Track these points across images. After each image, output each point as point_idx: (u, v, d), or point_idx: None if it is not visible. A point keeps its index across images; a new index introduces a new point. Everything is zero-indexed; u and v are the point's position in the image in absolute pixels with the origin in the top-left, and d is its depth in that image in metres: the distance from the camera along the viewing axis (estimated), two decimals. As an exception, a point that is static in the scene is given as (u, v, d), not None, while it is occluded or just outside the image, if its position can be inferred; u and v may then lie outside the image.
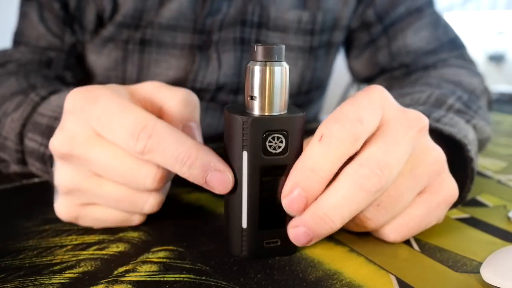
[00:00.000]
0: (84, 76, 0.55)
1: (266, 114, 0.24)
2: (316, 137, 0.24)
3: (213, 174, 0.25)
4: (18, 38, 0.53)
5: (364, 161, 0.24)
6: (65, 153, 0.27)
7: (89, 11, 0.51)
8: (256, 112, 0.24)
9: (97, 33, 0.52)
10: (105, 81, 0.54)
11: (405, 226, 0.27)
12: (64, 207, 0.29)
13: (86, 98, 0.27)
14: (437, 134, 0.31)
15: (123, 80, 0.54)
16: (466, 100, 0.40)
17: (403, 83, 0.51)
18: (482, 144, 0.40)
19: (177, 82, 0.54)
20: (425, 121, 0.27)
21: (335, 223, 0.24)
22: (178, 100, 0.29)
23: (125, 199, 0.27)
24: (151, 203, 0.28)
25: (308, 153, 0.24)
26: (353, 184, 0.24)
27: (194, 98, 0.30)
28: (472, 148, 0.32)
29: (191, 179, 0.25)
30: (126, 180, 0.26)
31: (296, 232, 0.25)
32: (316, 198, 0.24)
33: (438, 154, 0.27)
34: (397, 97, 0.42)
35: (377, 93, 0.26)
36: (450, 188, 0.28)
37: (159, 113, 0.29)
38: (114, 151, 0.26)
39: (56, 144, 0.27)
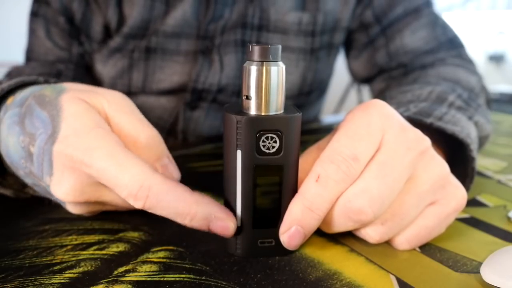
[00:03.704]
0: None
1: (262, 114, 0.24)
2: (313, 176, 0.25)
3: (214, 223, 0.25)
4: (29, 54, 0.55)
5: (353, 198, 0.25)
6: (77, 199, 0.27)
7: (95, 22, 0.52)
8: (252, 111, 0.24)
9: (105, 44, 0.53)
10: (111, 88, 0.54)
11: (416, 237, 0.27)
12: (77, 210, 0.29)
13: (79, 149, 0.26)
14: (439, 132, 0.31)
15: (129, 87, 0.55)
16: (466, 98, 0.40)
17: (401, 83, 0.51)
18: (482, 142, 0.40)
19: (181, 86, 0.54)
20: (426, 144, 0.26)
21: (332, 230, 0.25)
22: (149, 136, 0.29)
23: None
24: None
25: (305, 192, 0.25)
26: (343, 214, 0.25)
27: (158, 134, 0.31)
28: (474, 147, 0.32)
29: (195, 228, 0.25)
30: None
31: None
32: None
33: (440, 169, 0.27)
34: (398, 95, 0.42)
35: (377, 112, 0.26)
36: (458, 197, 0.27)
37: (133, 144, 0.29)
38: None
39: (63, 195, 0.27)
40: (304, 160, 0.27)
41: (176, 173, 0.31)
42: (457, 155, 0.31)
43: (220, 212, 0.25)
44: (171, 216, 0.25)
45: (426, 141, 0.26)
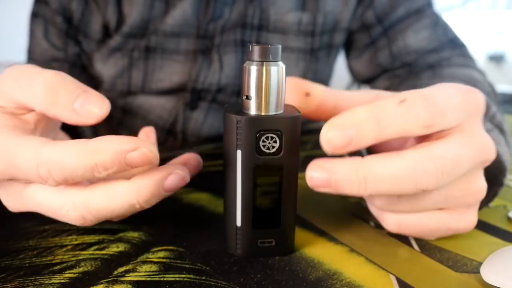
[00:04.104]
0: (90, 85, 0.55)
1: (262, 114, 0.24)
2: (397, 98, 0.23)
3: (129, 158, 0.23)
4: (28, 55, 0.55)
5: (435, 157, 0.23)
6: (17, 210, 0.27)
7: (94, 22, 0.52)
8: (252, 111, 0.24)
9: (104, 43, 0.53)
10: (111, 88, 0.56)
11: (408, 226, 0.27)
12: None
13: None
14: None
15: (129, 87, 0.55)
16: (498, 111, 0.39)
17: (413, 82, 0.50)
18: None
19: (181, 86, 0.55)
20: (493, 156, 0.25)
21: (366, 190, 0.22)
22: (42, 83, 0.25)
23: None
24: None
25: (382, 106, 0.23)
26: (412, 170, 0.22)
27: (57, 73, 0.26)
28: (507, 173, 0.31)
29: (118, 174, 0.24)
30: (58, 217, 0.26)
31: (318, 173, 0.22)
32: (357, 147, 0.22)
33: (481, 189, 0.26)
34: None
35: (475, 98, 0.25)
36: (470, 222, 0.27)
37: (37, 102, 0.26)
38: (42, 194, 0.26)
39: (7, 207, 0.27)
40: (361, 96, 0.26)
41: (99, 104, 0.25)
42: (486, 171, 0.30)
43: (126, 145, 0.23)
44: (89, 175, 0.23)
45: (493, 154, 0.25)
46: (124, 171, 0.24)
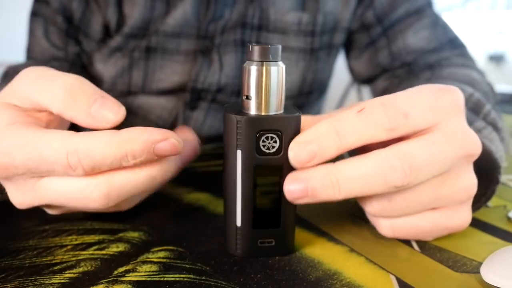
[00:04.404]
0: None
1: (262, 113, 0.24)
2: (356, 108, 0.24)
3: (157, 148, 0.24)
4: (28, 54, 0.55)
5: (401, 154, 0.23)
6: (26, 206, 0.27)
7: (95, 21, 0.52)
8: (252, 111, 0.24)
9: (105, 43, 0.53)
10: (111, 88, 0.56)
11: (403, 230, 0.27)
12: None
13: None
14: None
15: (129, 87, 0.55)
16: (495, 108, 0.39)
17: (411, 82, 0.50)
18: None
19: (181, 86, 0.55)
20: (478, 150, 0.25)
21: (340, 193, 0.23)
22: (62, 86, 0.26)
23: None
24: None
25: (341, 116, 0.24)
26: (379, 168, 0.23)
27: (76, 77, 0.27)
28: (501, 171, 0.31)
29: (146, 162, 0.25)
30: (77, 204, 0.26)
31: (295, 185, 0.24)
32: (323, 161, 0.24)
33: (471, 185, 0.26)
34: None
35: (450, 98, 0.25)
36: (464, 220, 0.27)
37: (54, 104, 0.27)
38: (59, 182, 0.26)
39: (15, 204, 0.27)
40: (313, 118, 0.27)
41: (115, 110, 0.26)
42: (477, 170, 0.30)
43: (155, 135, 0.24)
44: (117, 164, 0.24)
45: (478, 149, 0.25)
46: (149, 161, 0.25)
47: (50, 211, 0.29)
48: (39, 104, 0.27)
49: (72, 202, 0.26)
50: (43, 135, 0.25)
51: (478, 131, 0.32)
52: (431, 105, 0.24)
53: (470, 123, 0.32)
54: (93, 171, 0.24)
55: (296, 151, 0.24)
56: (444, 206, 0.26)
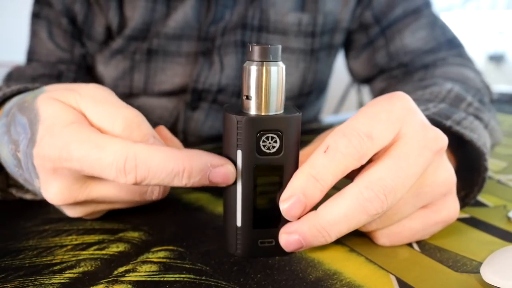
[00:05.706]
0: None
1: (262, 114, 0.24)
2: (322, 147, 0.24)
3: (214, 173, 0.25)
4: (30, 56, 0.55)
5: (371, 184, 0.24)
6: (67, 201, 0.27)
7: (97, 23, 0.52)
8: (252, 111, 0.24)
9: (107, 45, 0.53)
10: (113, 90, 0.55)
11: (397, 235, 0.27)
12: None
13: (55, 147, 0.25)
14: (453, 136, 0.31)
15: (130, 89, 0.55)
16: (480, 99, 0.40)
17: (407, 82, 0.50)
18: (491, 149, 0.39)
19: (182, 87, 0.55)
20: (443, 142, 0.26)
21: (331, 237, 0.24)
22: (126, 118, 0.28)
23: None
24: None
25: (312, 161, 0.24)
26: (356, 204, 0.23)
27: (138, 114, 0.28)
28: (488, 157, 0.31)
29: (195, 186, 0.25)
30: (130, 201, 0.28)
31: (289, 238, 0.25)
32: (314, 206, 0.24)
33: (448, 176, 0.27)
34: (416, 90, 0.41)
35: (400, 104, 0.25)
36: (451, 210, 0.28)
37: (113, 131, 0.28)
38: (109, 185, 0.27)
39: (52, 198, 0.27)
40: (309, 149, 0.27)
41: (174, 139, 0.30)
42: (466, 161, 0.31)
43: (215, 160, 0.25)
44: (168, 181, 0.24)
45: (443, 141, 0.26)
46: (199, 185, 0.25)
47: (76, 212, 0.29)
48: (95, 124, 0.27)
49: (130, 197, 0.28)
50: (107, 137, 0.25)
51: (457, 123, 0.32)
52: (387, 117, 0.25)
53: (449, 116, 0.32)
54: (142, 183, 0.24)
55: (288, 206, 0.24)
56: (429, 202, 0.27)
